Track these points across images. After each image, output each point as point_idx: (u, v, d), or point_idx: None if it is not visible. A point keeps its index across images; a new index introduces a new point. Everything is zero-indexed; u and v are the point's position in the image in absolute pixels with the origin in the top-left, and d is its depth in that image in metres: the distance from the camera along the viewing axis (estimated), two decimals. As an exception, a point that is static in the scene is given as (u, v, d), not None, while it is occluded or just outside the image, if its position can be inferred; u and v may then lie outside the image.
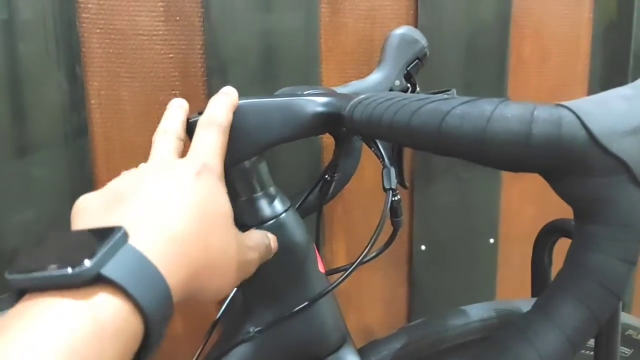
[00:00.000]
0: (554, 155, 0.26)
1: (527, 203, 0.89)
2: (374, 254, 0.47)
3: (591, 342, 0.49)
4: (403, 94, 0.35)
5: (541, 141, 0.26)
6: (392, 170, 0.39)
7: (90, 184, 0.68)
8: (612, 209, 0.26)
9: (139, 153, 0.69)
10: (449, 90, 0.47)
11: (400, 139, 0.32)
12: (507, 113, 0.26)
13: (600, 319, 0.27)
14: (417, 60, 0.58)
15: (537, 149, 0.26)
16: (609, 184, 0.25)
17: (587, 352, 0.51)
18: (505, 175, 0.87)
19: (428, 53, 0.59)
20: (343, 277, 0.40)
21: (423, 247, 0.85)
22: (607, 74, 0.89)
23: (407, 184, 0.74)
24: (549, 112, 0.26)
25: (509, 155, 0.27)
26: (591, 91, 0.89)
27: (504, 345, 0.28)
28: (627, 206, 0.25)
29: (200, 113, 0.41)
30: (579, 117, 0.25)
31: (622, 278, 0.26)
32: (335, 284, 0.40)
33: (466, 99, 0.29)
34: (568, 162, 0.25)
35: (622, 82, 0.29)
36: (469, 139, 0.26)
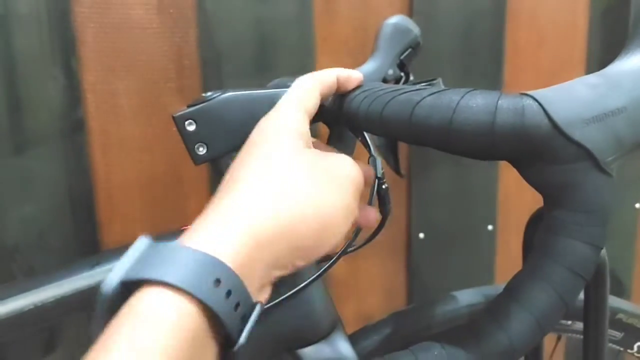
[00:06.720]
0: (518, 143, 0.26)
1: (525, 189, 0.88)
2: (362, 243, 0.48)
3: (580, 326, 0.50)
4: (383, 84, 0.35)
5: (505, 130, 0.26)
6: (378, 160, 0.40)
7: (87, 178, 0.69)
8: (578, 194, 0.26)
9: (135, 146, 0.69)
10: (434, 80, 0.47)
11: (375, 129, 0.32)
12: (472, 103, 0.27)
13: (568, 301, 0.27)
14: (410, 49, 0.58)
15: (501, 138, 0.26)
16: (574, 170, 0.26)
17: (577, 335, 0.52)
18: (502, 162, 0.87)
19: (421, 42, 0.59)
20: (327, 265, 0.40)
21: (421, 235, 0.85)
22: (606, 56, 0.88)
23: (404, 172, 0.75)
24: (512, 101, 0.26)
25: (475, 144, 0.27)
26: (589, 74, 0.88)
27: (476, 328, 0.29)
28: (592, 191, 0.26)
29: (190, 106, 0.42)
30: (542, 106, 0.26)
31: (589, 261, 0.27)
32: (320, 272, 0.41)
33: (436, 89, 0.29)
34: (533, 150, 0.25)
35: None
36: (437, 129, 0.27)
